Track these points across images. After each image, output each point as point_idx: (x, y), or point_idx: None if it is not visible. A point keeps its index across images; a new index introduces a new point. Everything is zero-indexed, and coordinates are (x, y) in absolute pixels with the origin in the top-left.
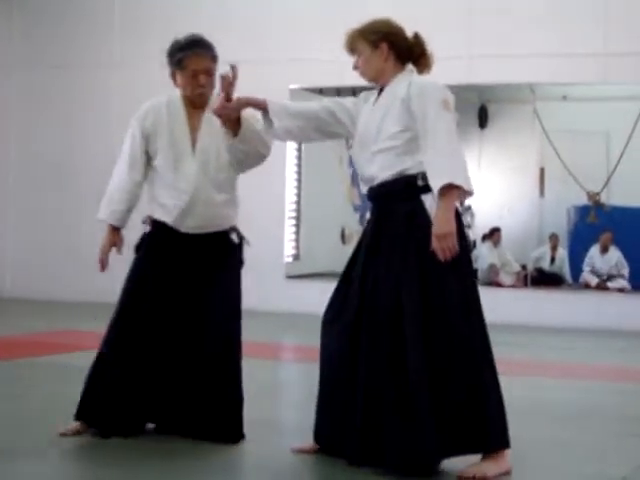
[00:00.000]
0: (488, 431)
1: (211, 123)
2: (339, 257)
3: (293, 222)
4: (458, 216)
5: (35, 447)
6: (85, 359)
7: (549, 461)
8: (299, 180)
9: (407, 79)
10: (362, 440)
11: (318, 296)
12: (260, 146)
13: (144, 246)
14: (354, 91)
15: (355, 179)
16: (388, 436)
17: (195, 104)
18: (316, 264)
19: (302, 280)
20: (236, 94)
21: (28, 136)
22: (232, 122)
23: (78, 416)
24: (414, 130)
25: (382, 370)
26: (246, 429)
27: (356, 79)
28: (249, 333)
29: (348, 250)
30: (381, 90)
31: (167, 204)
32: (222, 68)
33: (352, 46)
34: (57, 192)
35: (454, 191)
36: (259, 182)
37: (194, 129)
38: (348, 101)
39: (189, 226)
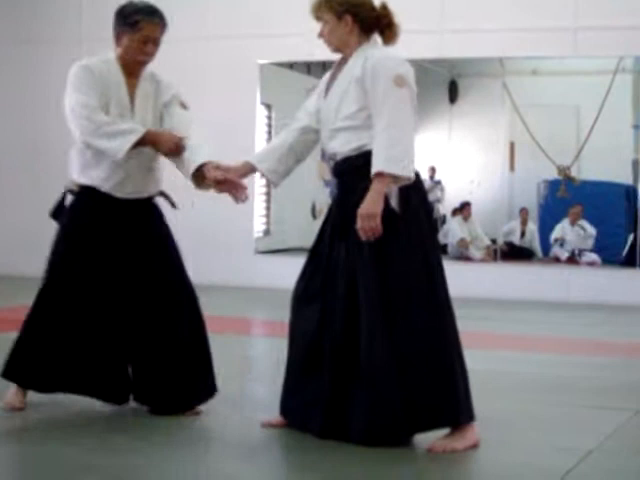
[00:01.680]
0: (456, 406)
1: (144, 90)
2: (310, 232)
3: (263, 197)
4: (387, 201)
5: None
6: None
7: (518, 434)
8: None
9: (364, 55)
10: (329, 414)
11: (288, 271)
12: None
13: (74, 213)
14: (324, 65)
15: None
16: (355, 410)
17: (131, 70)
18: (287, 239)
19: (272, 255)
20: (205, 70)
21: None
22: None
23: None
24: (370, 108)
25: (346, 346)
26: (215, 404)
27: (326, 54)
28: (218, 308)
29: (319, 225)
30: (343, 61)
31: (105, 170)
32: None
33: (318, 14)
34: (24, 170)
35: (385, 178)
36: (228, 156)
37: (131, 94)
38: (312, 101)
39: (127, 192)
